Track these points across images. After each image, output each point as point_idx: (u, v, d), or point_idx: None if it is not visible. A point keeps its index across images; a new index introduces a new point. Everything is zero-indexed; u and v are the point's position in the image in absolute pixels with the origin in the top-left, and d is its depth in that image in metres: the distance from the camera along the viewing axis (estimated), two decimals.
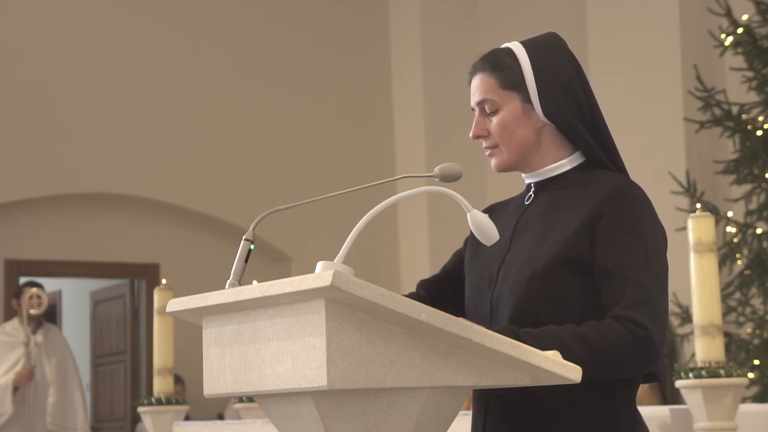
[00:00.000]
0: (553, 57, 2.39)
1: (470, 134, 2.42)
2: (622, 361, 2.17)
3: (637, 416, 2.30)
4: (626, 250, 2.22)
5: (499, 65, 2.38)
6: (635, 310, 2.17)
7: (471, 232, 2.36)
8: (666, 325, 2.23)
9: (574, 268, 2.24)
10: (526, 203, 2.43)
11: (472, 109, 2.43)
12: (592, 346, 2.14)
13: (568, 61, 2.40)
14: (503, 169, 2.41)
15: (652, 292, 2.21)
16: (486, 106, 2.38)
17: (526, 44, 2.41)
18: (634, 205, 2.27)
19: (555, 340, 2.13)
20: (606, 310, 2.21)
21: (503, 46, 2.43)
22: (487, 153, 2.42)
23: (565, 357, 2.09)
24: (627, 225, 2.25)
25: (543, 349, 2.08)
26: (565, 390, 2.12)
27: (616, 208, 2.26)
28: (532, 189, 2.43)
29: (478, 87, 2.39)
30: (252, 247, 2.26)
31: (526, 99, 2.36)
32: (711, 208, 6.77)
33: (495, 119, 2.38)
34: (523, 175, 2.45)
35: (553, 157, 2.40)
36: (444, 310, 1.98)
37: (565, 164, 2.39)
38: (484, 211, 2.40)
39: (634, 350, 2.16)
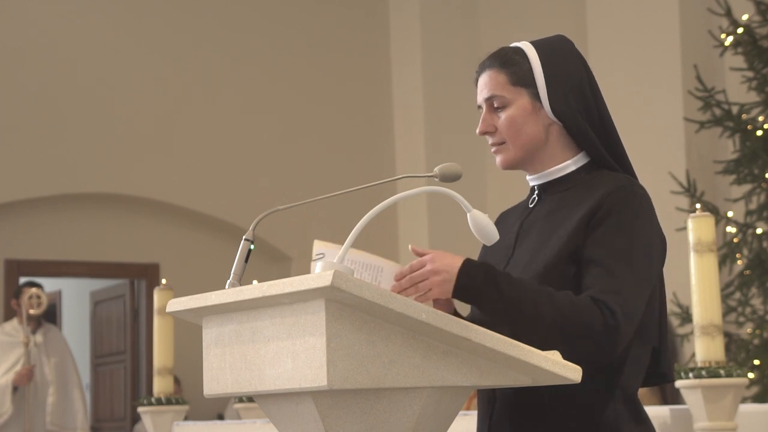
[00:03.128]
0: (563, 57, 2.39)
1: (477, 130, 2.41)
2: (580, 335, 2.14)
3: (642, 414, 2.30)
4: (613, 243, 2.22)
5: (509, 62, 2.38)
6: (609, 296, 2.16)
7: None
8: (634, 325, 2.21)
9: (573, 265, 2.25)
10: (530, 206, 2.43)
11: (479, 107, 2.43)
12: (559, 311, 2.14)
13: (577, 62, 2.40)
14: (509, 166, 2.40)
15: (631, 286, 2.19)
16: (495, 102, 2.38)
17: (535, 44, 2.41)
18: (631, 202, 2.27)
19: (529, 295, 2.15)
20: (582, 290, 2.20)
21: (512, 45, 2.44)
22: (493, 150, 2.41)
23: (531, 316, 2.12)
24: (619, 220, 2.24)
25: (513, 300, 2.13)
26: (568, 389, 2.12)
27: (612, 203, 2.26)
28: (536, 192, 2.43)
29: (486, 83, 2.39)
30: (252, 247, 2.26)
31: (535, 96, 2.36)
32: (711, 208, 6.77)
33: (503, 115, 2.37)
34: (527, 177, 2.45)
35: (558, 158, 2.39)
36: None
37: (569, 165, 2.39)
38: (495, 222, 2.39)
39: (600, 335, 2.15)
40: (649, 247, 2.26)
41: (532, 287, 2.17)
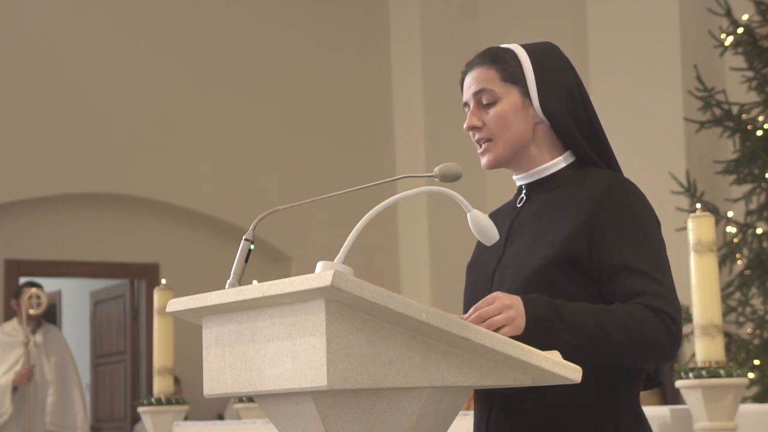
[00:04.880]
0: (553, 60, 2.40)
1: (465, 125, 2.40)
2: (651, 351, 2.18)
3: (641, 416, 2.30)
4: (633, 247, 2.23)
5: (499, 59, 2.38)
6: (663, 302, 2.19)
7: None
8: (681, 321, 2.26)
9: (570, 268, 2.24)
10: (518, 206, 2.42)
11: (465, 104, 2.42)
12: (629, 332, 2.15)
13: (566, 66, 2.41)
14: (495, 164, 2.39)
15: (671, 288, 2.24)
16: (483, 97, 2.37)
17: (524, 46, 2.42)
18: (630, 201, 2.28)
19: (592, 319, 2.14)
20: (628, 299, 2.20)
21: (500, 46, 2.44)
22: (480, 148, 2.39)
23: (599, 340, 2.11)
24: (627, 222, 2.25)
25: (577, 328, 2.11)
26: (568, 390, 2.12)
27: (612, 206, 2.26)
28: (524, 191, 2.43)
29: (475, 79, 2.38)
30: (252, 247, 2.26)
31: (525, 94, 2.36)
32: (711, 208, 6.77)
33: (492, 111, 2.37)
34: (514, 177, 2.44)
35: (545, 157, 2.39)
36: None
37: (557, 164, 2.39)
38: None
39: (668, 344, 2.19)
40: (659, 241, 2.28)
41: (589, 309, 2.15)
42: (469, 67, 2.41)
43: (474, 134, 2.40)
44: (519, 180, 2.43)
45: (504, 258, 2.35)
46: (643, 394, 2.38)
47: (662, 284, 2.21)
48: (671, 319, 2.18)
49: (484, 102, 2.37)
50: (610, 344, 2.13)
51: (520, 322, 2.09)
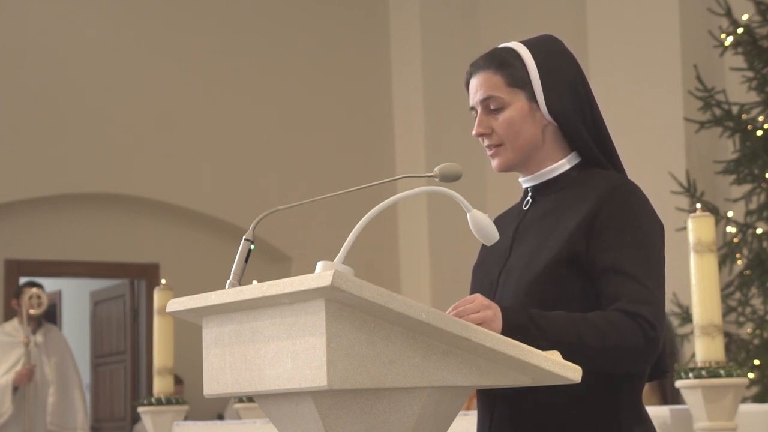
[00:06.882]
0: (557, 57, 2.39)
1: (473, 132, 2.39)
2: (627, 356, 2.17)
3: (643, 414, 2.30)
4: (626, 248, 2.22)
5: (504, 63, 2.37)
6: (643, 308, 2.18)
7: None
8: (664, 326, 2.24)
9: (572, 267, 2.24)
10: (525, 209, 2.42)
11: (472, 108, 2.41)
12: (604, 337, 2.14)
13: (570, 61, 2.40)
14: (506, 168, 2.39)
15: (657, 293, 2.22)
16: (491, 104, 2.36)
17: (528, 44, 2.40)
18: (630, 202, 2.27)
19: (568, 326, 2.13)
20: (608, 303, 2.20)
21: (503, 45, 2.42)
22: (490, 152, 2.39)
23: (576, 343, 2.11)
24: (625, 222, 2.25)
25: (553, 335, 2.09)
26: (569, 388, 2.12)
27: (613, 206, 2.26)
28: (530, 194, 2.42)
29: (482, 84, 2.37)
30: (252, 247, 2.26)
31: (532, 98, 2.35)
32: (711, 208, 6.77)
33: (501, 117, 2.36)
34: (520, 179, 2.44)
35: (552, 159, 2.39)
36: None
37: (562, 165, 2.39)
38: None
39: (645, 349, 2.17)
40: (656, 245, 2.27)
41: (566, 317, 2.15)
42: (475, 68, 2.40)
43: (483, 140, 2.39)
44: (525, 182, 2.43)
45: (510, 261, 2.34)
46: (643, 394, 2.37)
47: (647, 289, 2.20)
48: (649, 324, 2.16)
49: (492, 108, 2.36)
50: (587, 350, 2.12)
51: (497, 324, 2.10)
